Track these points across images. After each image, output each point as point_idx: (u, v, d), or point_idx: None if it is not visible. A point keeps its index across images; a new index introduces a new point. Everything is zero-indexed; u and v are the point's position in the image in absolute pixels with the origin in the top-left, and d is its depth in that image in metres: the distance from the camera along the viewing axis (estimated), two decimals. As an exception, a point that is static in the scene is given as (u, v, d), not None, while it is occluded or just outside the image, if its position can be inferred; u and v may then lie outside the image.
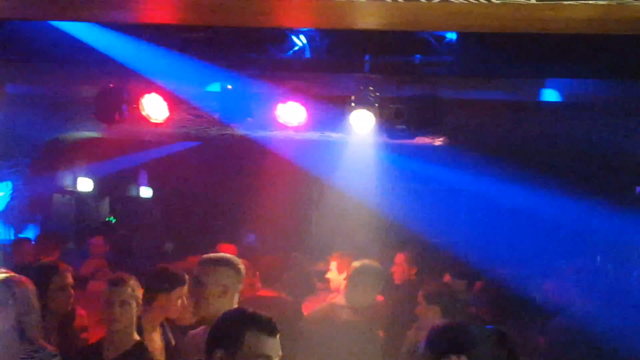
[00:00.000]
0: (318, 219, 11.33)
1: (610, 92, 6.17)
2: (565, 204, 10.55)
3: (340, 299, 5.27)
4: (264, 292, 5.68)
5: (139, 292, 4.16)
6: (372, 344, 4.98)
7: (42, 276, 4.39)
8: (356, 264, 5.18)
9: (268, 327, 2.91)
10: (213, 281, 3.72)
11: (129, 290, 4.08)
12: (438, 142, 8.56)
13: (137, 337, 4.11)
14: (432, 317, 5.20)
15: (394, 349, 5.41)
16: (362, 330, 5.01)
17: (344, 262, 6.05)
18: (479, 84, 6.32)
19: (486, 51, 5.57)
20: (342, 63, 5.87)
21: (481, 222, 11.51)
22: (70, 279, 4.62)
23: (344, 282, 5.33)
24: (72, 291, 4.64)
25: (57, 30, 5.60)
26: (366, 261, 5.22)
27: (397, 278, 6.84)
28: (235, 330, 2.89)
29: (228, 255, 3.95)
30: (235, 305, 3.68)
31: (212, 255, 3.94)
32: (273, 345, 2.89)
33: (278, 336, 2.93)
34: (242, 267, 3.83)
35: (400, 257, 6.89)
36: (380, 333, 5.41)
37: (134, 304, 4.08)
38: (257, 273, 5.87)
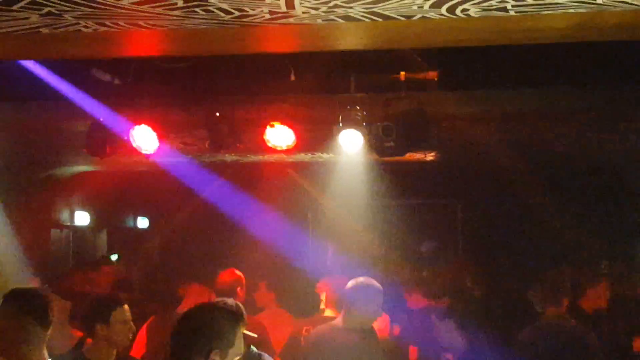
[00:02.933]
0: (314, 239, 11.33)
1: (595, 100, 6.21)
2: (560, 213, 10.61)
3: (338, 321, 5.23)
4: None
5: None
6: None
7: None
8: (351, 283, 5.15)
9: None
10: None
11: None
12: (430, 157, 8.61)
13: None
14: (448, 332, 5.20)
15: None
16: (361, 352, 4.96)
17: (332, 289, 5.99)
18: (464, 98, 6.36)
19: (469, 64, 5.63)
20: (327, 84, 5.92)
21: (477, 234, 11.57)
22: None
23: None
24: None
25: (43, 68, 5.67)
26: (361, 279, 5.18)
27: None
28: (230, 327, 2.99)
29: None
30: None
31: None
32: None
33: None
34: None
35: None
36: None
37: None
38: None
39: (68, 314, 5.57)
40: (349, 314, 5.11)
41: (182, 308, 5.62)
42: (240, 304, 4.27)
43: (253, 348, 4.27)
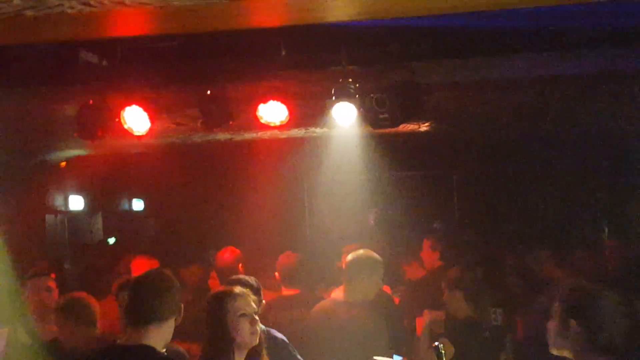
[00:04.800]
0: (311, 216, 11.33)
1: (592, 64, 6.14)
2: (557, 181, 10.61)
3: (339, 294, 5.23)
4: (287, 292, 5.68)
5: None
6: (373, 339, 4.90)
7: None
8: (350, 256, 5.14)
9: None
10: None
11: None
12: (424, 127, 8.56)
13: None
14: (456, 302, 5.21)
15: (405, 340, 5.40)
16: (362, 325, 4.95)
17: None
18: (457, 66, 6.29)
19: (461, 31, 5.56)
20: (318, 58, 5.85)
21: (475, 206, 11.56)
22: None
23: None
24: None
25: (32, 51, 5.59)
26: (360, 252, 5.16)
27: (426, 264, 6.98)
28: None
29: None
30: None
31: None
32: None
33: None
34: None
35: (426, 243, 7.00)
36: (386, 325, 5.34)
37: None
38: (276, 273, 5.88)
39: None
40: (350, 287, 5.11)
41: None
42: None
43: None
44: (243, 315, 3.74)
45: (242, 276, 4.69)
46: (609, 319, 3.04)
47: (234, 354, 3.69)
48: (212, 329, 3.73)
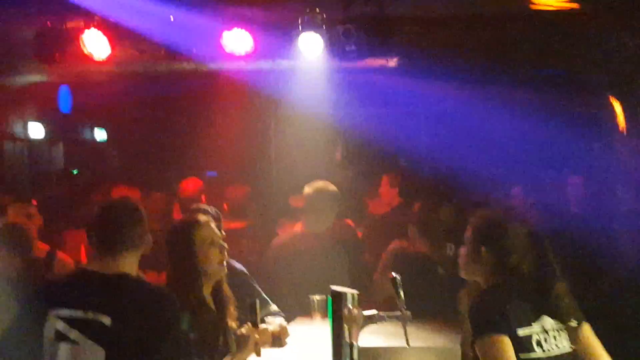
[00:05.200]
0: (277, 151, 11.26)
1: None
2: (531, 117, 10.59)
3: (299, 227, 5.24)
4: (233, 224, 5.63)
5: None
6: (332, 269, 4.90)
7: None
8: (308, 189, 5.10)
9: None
10: None
11: None
12: (392, 63, 8.44)
13: None
14: (413, 238, 5.22)
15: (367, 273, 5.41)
16: (321, 255, 4.96)
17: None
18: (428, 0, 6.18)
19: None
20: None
21: (445, 144, 11.54)
22: None
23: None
24: None
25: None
26: (320, 183, 5.13)
27: (385, 200, 6.94)
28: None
29: None
30: None
31: None
32: None
33: None
34: None
35: (385, 180, 6.96)
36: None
37: None
38: (225, 205, 5.85)
39: None
40: (307, 218, 5.11)
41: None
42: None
43: None
44: (211, 244, 3.62)
45: (202, 205, 4.63)
46: (518, 247, 3.23)
47: (202, 286, 3.57)
48: (179, 261, 3.59)
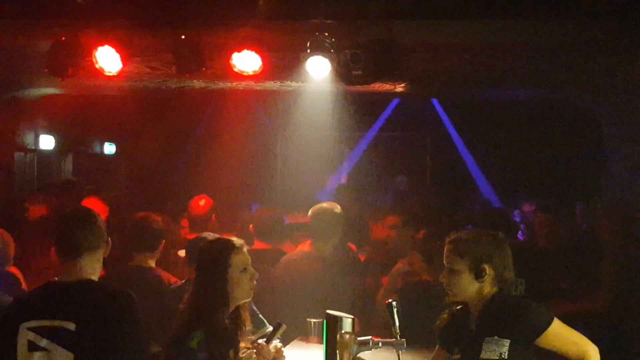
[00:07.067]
0: (283, 170, 11.33)
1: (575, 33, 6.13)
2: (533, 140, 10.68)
3: (307, 247, 5.23)
4: (260, 245, 5.63)
5: None
6: (331, 293, 4.86)
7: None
8: (313, 209, 5.14)
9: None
10: None
11: None
12: (399, 88, 8.54)
13: None
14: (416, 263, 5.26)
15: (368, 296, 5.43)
16: (322, 278, 4.95)
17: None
18: (437, 27, 6.26)
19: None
20: (296, 9, 5.78)
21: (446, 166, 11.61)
22: None
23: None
24: None
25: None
26: (319, 205, 5.17)
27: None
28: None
29: None
30: None
31: None
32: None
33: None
34: None
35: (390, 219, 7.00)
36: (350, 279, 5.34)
37: None
38: (251, 226, 5.83)
39: None
40: (313, 240, 5.14)
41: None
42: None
43: None
44: (244, 270, 3.47)
45: (209, 234, 4.56)
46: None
47: (228, 311, 3.46)
48: (210, 282, 3.42)
